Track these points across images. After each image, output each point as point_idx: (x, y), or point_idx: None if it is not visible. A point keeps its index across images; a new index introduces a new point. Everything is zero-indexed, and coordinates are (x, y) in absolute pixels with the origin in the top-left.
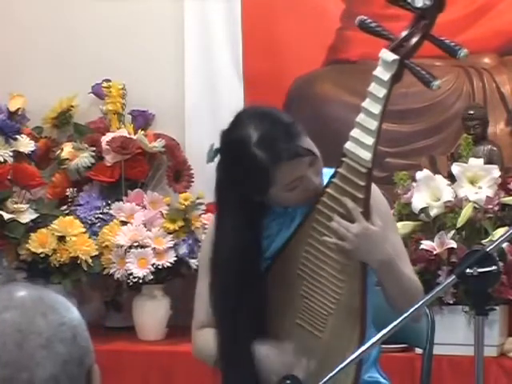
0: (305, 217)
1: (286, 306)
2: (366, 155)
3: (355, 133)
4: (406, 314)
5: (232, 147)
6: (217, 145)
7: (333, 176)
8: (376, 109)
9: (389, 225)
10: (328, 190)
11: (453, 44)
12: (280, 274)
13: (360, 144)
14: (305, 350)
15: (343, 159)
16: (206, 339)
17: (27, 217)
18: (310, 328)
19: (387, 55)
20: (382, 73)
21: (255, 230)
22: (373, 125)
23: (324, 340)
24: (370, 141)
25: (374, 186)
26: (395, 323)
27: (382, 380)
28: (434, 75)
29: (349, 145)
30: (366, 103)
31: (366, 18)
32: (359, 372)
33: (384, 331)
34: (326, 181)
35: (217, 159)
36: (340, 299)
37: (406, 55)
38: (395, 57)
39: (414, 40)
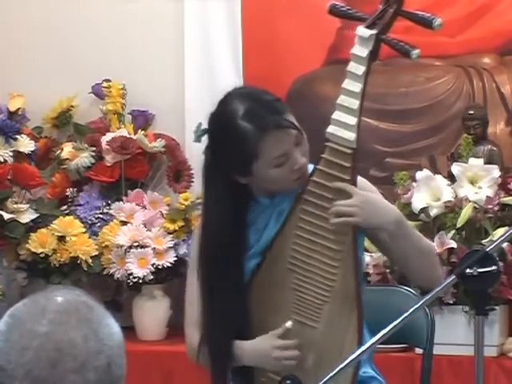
0: (290, 209)
1: (280, 302)
2: (350, 135)
3: (336, 115)
4: (406, 314)
5: (219, 122)
6: (204, 125)
7: (316, 163)
8: (356, 87)
9: None
10: (313, 178)
11: (427, 15)
12: (271, 272)
13: (343, 125)
14: (303, 343)
15: (326, 144)
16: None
17: (27, 217)
18: (304, 320)
19: (364, 31)
20: (360, 50)
21: (240, 216)
22: (354, 104)
23: (320, 330)
24: (352, 120)
25: (364, 181)
26: (395, 323)
27: (377, 376)
28: (413, 45)
29: (331, 128)
30: (346, 83)
31: (337, 3)
32: (357, 370)
33: (384, 331)
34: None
35: (204, 141)
36: (334, 286)
37: (381, 30)
38: (372, 32)
39: (388, 16)
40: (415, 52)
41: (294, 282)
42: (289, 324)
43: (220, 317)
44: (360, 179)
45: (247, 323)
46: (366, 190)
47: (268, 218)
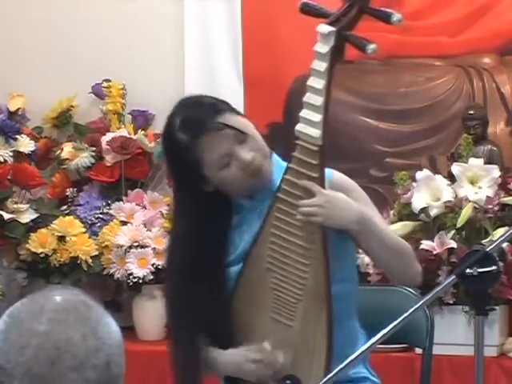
0: (268, 208)
1: (261, 303)
2: (316, 132)
3: (303, 113)
4: (406, 314)
5: (164, 139)
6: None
7: (289, 161)
8: (319, 84)
9: (367, 201)
10: (286, 176)
11: (386, 11)
12: (252, 272)
13: (309, 123)
14: (281, 343)
15: (296, 142)
16: None
17: (27, 217)
18: (282, 319)
19: (324, 28)
20: (321, 47)
21: (218, 218)
22: (318, 101)
23: (295, 328)
24: (317, 117)
25: (340, 176)
26: (395, 323)
27: (370, 377)
28: (370, 40)
29: (299, 126)
30: (310, 81)
31: (309, 1)
32: (330, 359)
33: (384, 331)
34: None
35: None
36: (306, 284)
37: (343, 27)
38: (331, 28)
39: (352, 13)
40: (370, 47)
41: (273, 282)
42: (266, 345)
43: (200, 320)
44: (336, 174)
45: (230, 326)
46: (341, 186)
47: (250, 219)
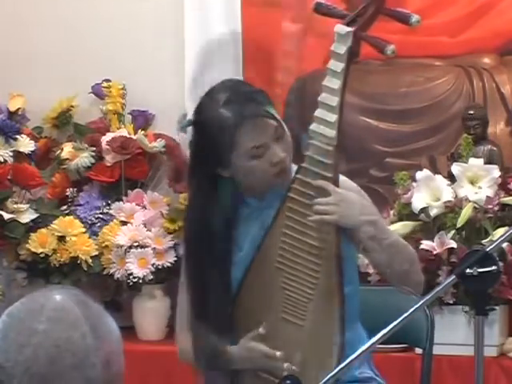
0: (278, 208)
1: (270, 302)
2: (331, 132)
3: (318, 112)
4: (406, 314)
5: (202, 111)
6: (190, 116)
7: (302, 161)
8: (335, 84)
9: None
10: (298, 175)
11: (405, 12)
12: (261, 272)
13: (324, 122)
14: (291, 343)
15: (309, 141)
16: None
17: (27, 217)
18: (292, 319)
19: (341, 28)
20: (338, 47)
21: (227, 211)
22: (334, 101)
23: (306, 328)
24: (332, 118)
25: (345, 179)
26: (395, 323)
27: (376, 377)
28: (388, 41)
29: (313, 126)
30: (326, 80)
31: (322, 1)
32: (341, 359)
33: (384, 331)
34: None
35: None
36: (318, 283)
37: (360, 27)
38: (349, 29)
39: (368, 13)
40: (390, 48)
41: (282, 281)
42: (261, 329)
43: (209, 320)
44: (343, 179)
45: (236, 324)
46: (348, 189)
47: (255, 221)
